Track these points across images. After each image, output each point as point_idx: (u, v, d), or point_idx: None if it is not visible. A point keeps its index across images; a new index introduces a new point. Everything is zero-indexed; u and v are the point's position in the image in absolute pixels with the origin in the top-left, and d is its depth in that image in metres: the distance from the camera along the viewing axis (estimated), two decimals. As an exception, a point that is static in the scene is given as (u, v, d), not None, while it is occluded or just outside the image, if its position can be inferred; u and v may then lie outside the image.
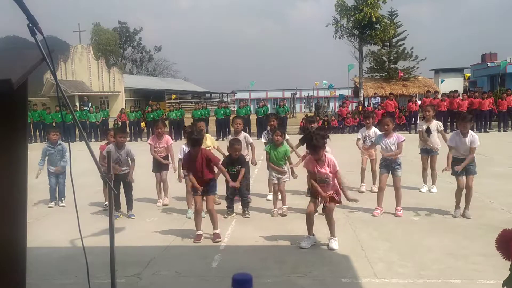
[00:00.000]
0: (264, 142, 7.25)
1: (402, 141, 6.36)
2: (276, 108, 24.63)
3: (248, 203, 6.69)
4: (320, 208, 5.61)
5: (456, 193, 6.23)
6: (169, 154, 7.42)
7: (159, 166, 7.42)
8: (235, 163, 6.47)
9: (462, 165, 6.00)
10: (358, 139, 8.19)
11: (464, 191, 6.14)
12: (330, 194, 4.99)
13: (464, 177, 6.10)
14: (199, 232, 5.47)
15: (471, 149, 6.02)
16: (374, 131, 7.94)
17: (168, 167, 7.49)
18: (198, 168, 5.40)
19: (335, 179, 5.03)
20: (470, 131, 6.13)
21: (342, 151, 7.75)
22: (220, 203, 6.93)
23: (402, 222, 6.06)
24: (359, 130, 8.43)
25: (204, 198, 5.58)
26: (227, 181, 6.47)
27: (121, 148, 6.67)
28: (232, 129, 8.13)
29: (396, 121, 19.94)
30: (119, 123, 21.76)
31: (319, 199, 5.06)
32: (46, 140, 7.78)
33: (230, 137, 7.64)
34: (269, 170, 6.75)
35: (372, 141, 7.65)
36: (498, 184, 8.25)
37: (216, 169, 5.66)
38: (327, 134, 6.53)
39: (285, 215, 6.45)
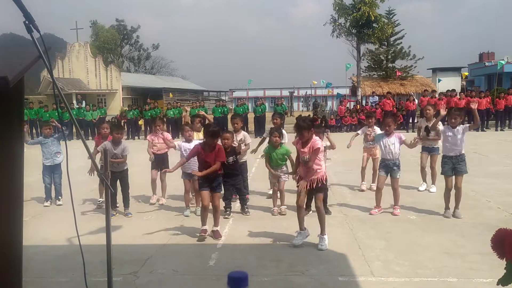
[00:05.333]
0: (264, 137, 7.35)
1: (404, 139, 6.38)
2: (274, 107, 24.63)
3: (246, 201, 6.70)
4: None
5: (444, 193, 6.24)
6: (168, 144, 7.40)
7: (158, 164, 7.38)
8: (228, 154, 6.44)
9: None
10: (357, 133, 8.25)
11: (453, 191, 6.14)
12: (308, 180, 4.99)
13: (453, 177, 6.12)
14: (205, 227, 5.47)
15: (470, 126, 6.25)
16: (375, 130, 7.95)
17: (167, 165, 7.45)
18: (210, 161, 5.34)
19: (318, 162, 5.00)
20: (460, 126, 6.20)
21: (340, 150, 7.74)
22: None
23: (399, 221, 6.08)
24: (361, 129, 8.41)
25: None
26: (224, 182, 6.46)
27: (117, 144, 6.64)
28: (231, 127, 8.18)
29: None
30: (116, 121, 21.63)
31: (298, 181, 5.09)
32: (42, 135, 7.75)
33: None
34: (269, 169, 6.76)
35: (373, 140, 7.73)
36: (495, 183, 8.28)
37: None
38: (322, 128, 6.58)
39: (284, 214, 6.46)
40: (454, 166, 6.09)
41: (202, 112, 8.86)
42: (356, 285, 4.05)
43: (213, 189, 5.46)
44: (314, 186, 4.98)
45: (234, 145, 6.65)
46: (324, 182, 5.11)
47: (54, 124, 7.71)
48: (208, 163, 5.36)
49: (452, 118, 6.18)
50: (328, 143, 6.67)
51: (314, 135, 5.06)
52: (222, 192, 6.23)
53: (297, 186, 5.20)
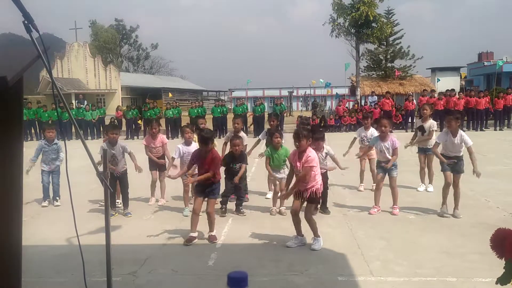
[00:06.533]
0: (259, 139, 7.32)
1: (397, 148, 6.37)
2: (273, 107, 24.60)
3: (242, 202, 6.68)
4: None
5: (443, 189, 6.25)
6: (165, 154, 7.38)
7: (157, 165, 7.37)
8: (237, 160, 6.45)
9: (477, 171, 5.87)
10: (355, 138, 8.21)
11: (451, 190, 6.15)
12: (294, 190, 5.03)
13: (452, 174, 6.13)
14: (193, 234, 5.35)
15: (468, 149, 6.03)
16: (371, 132, 7.90)
17: (165, 167, 7.44)
18: (205, 167, 5.31)
19: (315, 177, 4.99)
20: (460, 131, 6.16)
21: (338, 150, 7.74)
22: (217, 203, 6.87)
23: (398, 220, 6.08)
24: (357, 130, 8.40)
25: (205, 199, 5.47)
26: (225, 179, 6.48)
27: (113, 145, 6.61)
28: (230, 127, 8.16)
29: (393, 119, 19.99)
30: (115, 121, 21.62)
31: (299, 195, 5.04)
32: (43, 138, 7.68)
33: (229, 134, 7.62)
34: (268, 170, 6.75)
35: (369, 141, 7.65)
36: (494, 182, 8.28)
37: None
38: (322, 133, 6.57)
39: (284, 215, 6.44)
40: (451, 164, 6.10)
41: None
42: (356, 284, 4.05)
43: (207, 194, 5.38)
44: (307, 197, 4.99)
45: (244, 152, 6.67)
46: (319, 195, 5.11)
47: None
48: (205, 169, 5.32)
49: (447, 123, 6.19)
50: (331, 152, 6.62)
51: (310, 149, 5.04)
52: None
53: (293, 197, 5.17)
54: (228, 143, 6.91)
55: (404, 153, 6.43)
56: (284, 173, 6.60)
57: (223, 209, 6.51)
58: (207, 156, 5.33)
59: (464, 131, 6.28)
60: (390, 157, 6.34)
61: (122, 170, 6.71)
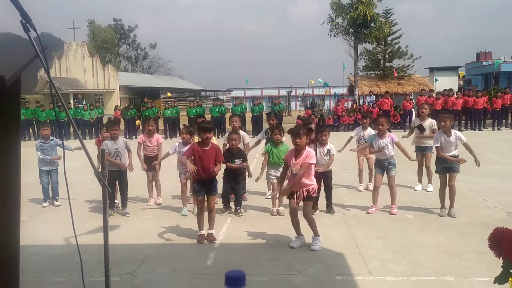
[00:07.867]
0: (259, 139, 7.33)
1: (398, 141, 6.40)
2: (271, 106, 24.58)
3: (241, 202, 6.68)
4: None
5: (439, 191, 6.27)
6: (157, 154, 7.34)
7: (152, 165, 7.34)
8: (235, 156, 6.45)
9: (475, 157, 6.01)
10: (351, 137, 8.23)
11: (447, 190, 6.17)
12: (295, 190, 4.97)
13: (447, 175, 6.15)
14: (202, 232, 5.39)
15: (465, 144, 6.09)
16: (369, 132, 7.92)
17: (159, 166, 7.43)
18: (206, 161, 5.26)
19: (311, 176, 4.97)
20: (452, 130, 6.20)
21: (337, 149, 7.77)
22: (217, 203, 6.86)
23: (396, 220, 6.09)
24: (354, 129, 8.42)
25: (205, 197, 5.45)
26: (224, 179, 6.48)
27: (115, 140, 6.68)
28: (228, 127, 8.18)
29: (391, 119, 20.01)
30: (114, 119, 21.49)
31: (295, 196, 4.99)
32: (39, 137, 7.68)
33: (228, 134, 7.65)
34: (267, 169, 6.74)
35: (366, 141, 7.67)
36: (492, 182, 8.30)
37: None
38: (327, 127, 6.58)
39: (282, 215, 6.44)
40: (447, 165, 6.11)
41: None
42: (354, 284, 4.06)
43: (208, 192, 5.37)
44: (305, 196, 4.96)
45: (240, 149, 6.67)
46: (316, 193, 5.10)
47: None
48: (205, 162, 5.27)
49: (441, 122, 6.21)
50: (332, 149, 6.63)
51: (307, 147, 5.04)
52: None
53: (287, 198, 5.15)
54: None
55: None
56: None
57: (225, 210, 6.49)
58: (208, 150, 5.29)
59: (462, 130, 6.31)
60: (388, 153, 6.34)
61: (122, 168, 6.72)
